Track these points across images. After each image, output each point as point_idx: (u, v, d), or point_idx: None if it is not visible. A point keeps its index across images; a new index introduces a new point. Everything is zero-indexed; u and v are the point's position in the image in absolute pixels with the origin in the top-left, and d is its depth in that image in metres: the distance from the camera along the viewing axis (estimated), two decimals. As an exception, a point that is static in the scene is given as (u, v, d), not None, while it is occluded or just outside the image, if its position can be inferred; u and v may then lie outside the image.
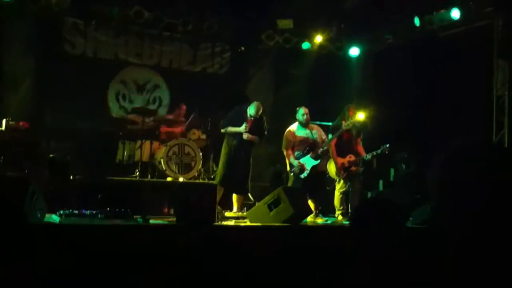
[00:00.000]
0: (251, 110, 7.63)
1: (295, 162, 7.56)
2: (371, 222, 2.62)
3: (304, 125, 7.71)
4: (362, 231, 2.60)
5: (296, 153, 7.66)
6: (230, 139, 7.76)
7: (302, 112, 7.70)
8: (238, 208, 7.60)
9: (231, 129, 7.71)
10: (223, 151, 7.80)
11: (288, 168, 7.80)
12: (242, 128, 7.60)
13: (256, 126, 7.72)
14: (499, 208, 1.31)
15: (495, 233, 1.29)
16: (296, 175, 7.58)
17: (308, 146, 7.68)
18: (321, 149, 7.63)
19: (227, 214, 7.33)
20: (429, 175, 1.52)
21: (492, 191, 1.34)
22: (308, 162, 7.59)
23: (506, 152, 1.50)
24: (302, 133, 7.71)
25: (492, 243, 1.29)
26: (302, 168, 7.54)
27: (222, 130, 7.84)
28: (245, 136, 7.59)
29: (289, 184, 7.69)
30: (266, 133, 7.92)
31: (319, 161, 7.63)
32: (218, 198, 7.53)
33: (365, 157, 7.75)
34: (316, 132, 7.77)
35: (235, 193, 7.71)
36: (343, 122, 7.73)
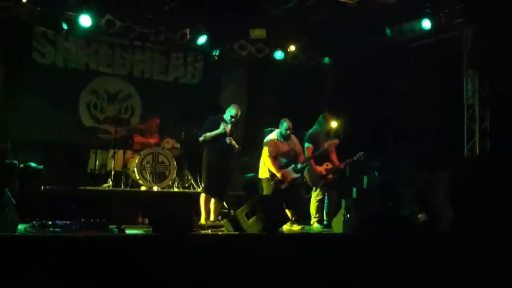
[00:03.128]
0: (231, 112, 7.46)
1: (278, 173, 7.54)
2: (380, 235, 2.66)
3: (285, 137, 7.67)
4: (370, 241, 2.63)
5: (282, 160, 7.64)
6: (211, 146, 7.58)
7: (286, 126, 7.61)
8: (215, 217, 7.50)
9: (210, 134, 7.49)
10: (205, 159, 7.57)
11: (267, 176, 7.69)
12: (220, 129, 7.40)
13: (235, 131, 7.61)
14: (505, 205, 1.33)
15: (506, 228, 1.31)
16: (277, 185, 7.55)
17: (290, 158, 7.68)
18: (301, 164, 7.62)
19: (203, 222, 7.22)
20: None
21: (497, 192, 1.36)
22: (290, 173, 7.61)
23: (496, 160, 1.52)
24: (285, 144, 7.69)
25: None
26: (284, 179, 7.54)
27: (201, 139, 7.53)
28: (227, 140, 7.41)
29: (265, 192, 7.65)
30: (241, 141, 7.86)
31: (299, 174, 7.65)
32: (213, 208, 7.42)
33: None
34: (295, 144, 7.78)
35: (218, 200, 7.55)
36: (324, 143, 7.78)
